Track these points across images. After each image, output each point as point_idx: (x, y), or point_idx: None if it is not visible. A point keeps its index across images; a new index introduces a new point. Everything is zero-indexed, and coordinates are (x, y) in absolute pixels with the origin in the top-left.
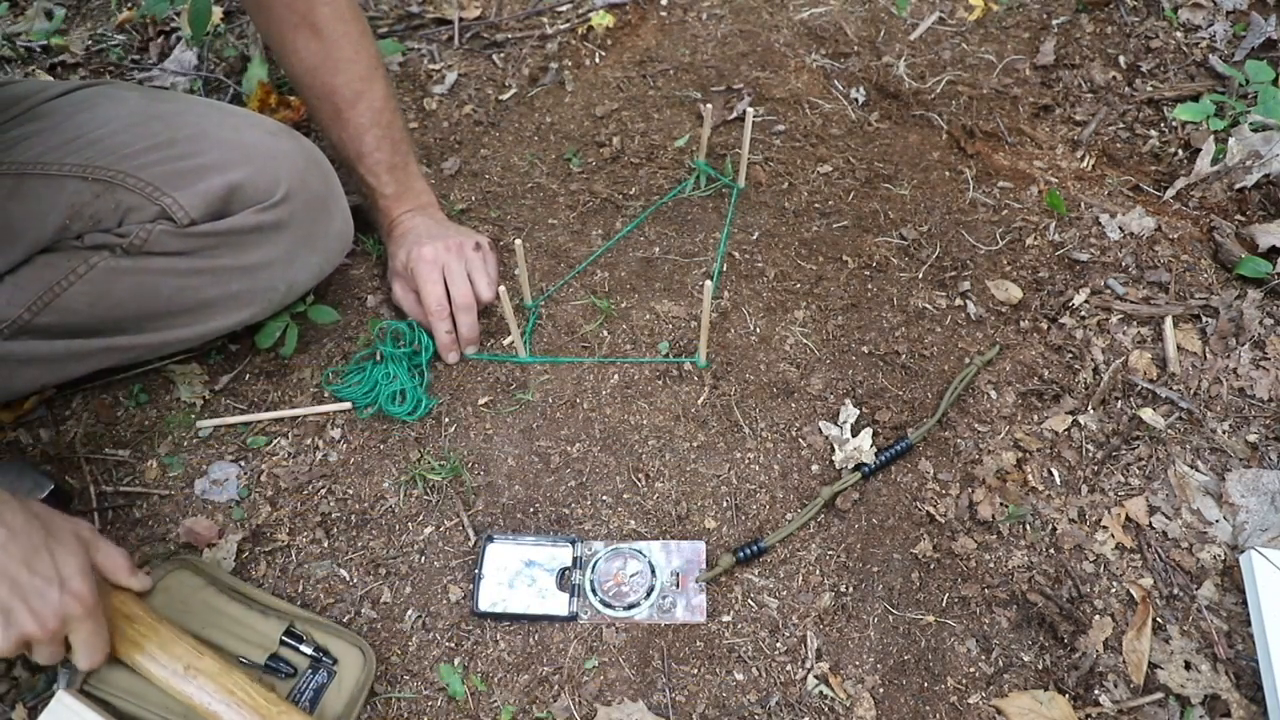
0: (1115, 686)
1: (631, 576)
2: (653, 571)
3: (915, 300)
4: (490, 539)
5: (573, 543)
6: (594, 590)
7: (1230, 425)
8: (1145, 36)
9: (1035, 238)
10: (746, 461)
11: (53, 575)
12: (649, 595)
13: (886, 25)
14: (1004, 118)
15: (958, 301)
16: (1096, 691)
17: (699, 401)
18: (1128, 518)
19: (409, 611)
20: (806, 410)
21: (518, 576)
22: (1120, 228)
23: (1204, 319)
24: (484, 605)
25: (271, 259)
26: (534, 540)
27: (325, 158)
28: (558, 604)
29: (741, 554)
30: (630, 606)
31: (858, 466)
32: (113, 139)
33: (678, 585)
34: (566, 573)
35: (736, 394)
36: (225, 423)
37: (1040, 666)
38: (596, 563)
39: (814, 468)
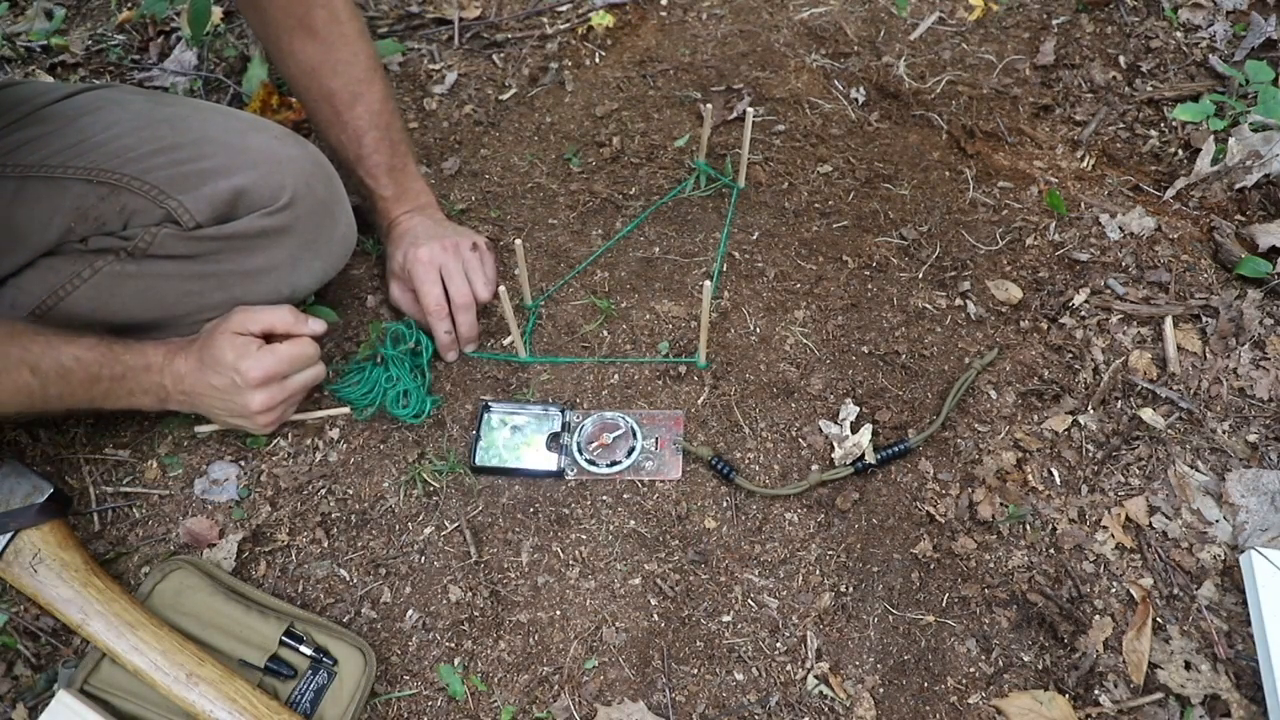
0: (1115, 686)
1: (615, 439)
2: (634, 434)
3: (915, 300)
4: (488, 406)
5: (562, 411)
6: (580, 450)
7: (1230, 425)
8: (1145, 36)
9: (1035, 238)
10: (747, 461)
11: (231, 380)
12: (630, 455)
13: (886, 25)
14: (1004, 118)
15: (958, 301)
16: (1096, 691)
17: (699, 401)
18: (1128, 518)
19: (409, 611)
20: (806, 410)
21: (512, 438)
22: (1120, 228)
23: (1204, 319)
24: (479, 461)
25: (275, 263)
26: (527, 408)
27: (330, 163)
28: (547, 461)
29: (716, 462)
30: (612, 464)
31: (855, 461)
32: (118, 142)
33: (656, 446)
34: (556, 436)
35: (736, 394)
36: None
37: (1040, 666)
38: (583, 427)
39: (814, 467)
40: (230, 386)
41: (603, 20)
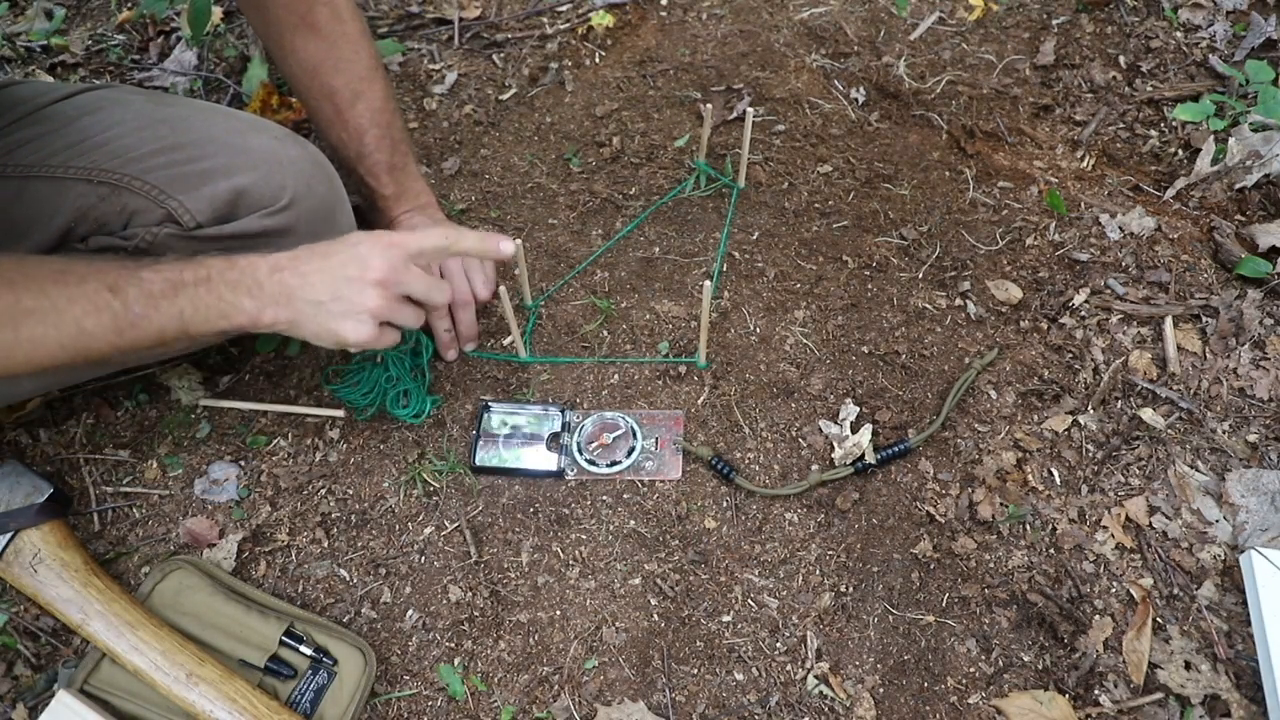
0: (1115, 686)
1: (615, 439)
2: (634, 434)
3: (915, 300)
4: (488, 406)
5: (562, 411)
6: (580, 450)
7: (1230, 425)
8: (1145, 36)
9: (1035, 238)
10: (747, 461)
11: (357, 272)
12: (630, 455)
13: (886, 25)
14: (1004, 118)
15: (958, 301)
16: (1096, 691)
17: (699, 401)
18: (1128, 518)
19: (409, 611)
20: (806, 410)
21: (511, 438)
22: (1120, 228)
23: (1204, 319)
24: (479, 461)
25: None
26: (527, 408)
27: (330, 163)
28: (547, 461)
29: (716, 462)
30: (612, 464)
31: (855, 461)
32: (118, 142)
33: (656, 446)
34: (556, 436)
35: (736, 394)
36: (225, 405)
37: (1040, 666)
38: (583, 427)
39: (814, 467)
40: (350, 258)
41: (603, 20)
